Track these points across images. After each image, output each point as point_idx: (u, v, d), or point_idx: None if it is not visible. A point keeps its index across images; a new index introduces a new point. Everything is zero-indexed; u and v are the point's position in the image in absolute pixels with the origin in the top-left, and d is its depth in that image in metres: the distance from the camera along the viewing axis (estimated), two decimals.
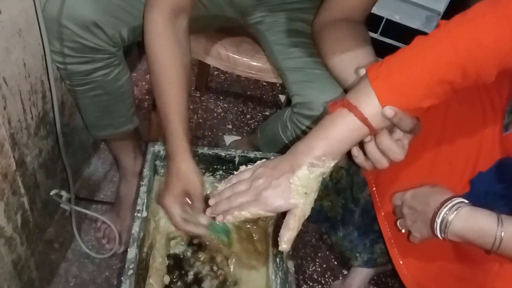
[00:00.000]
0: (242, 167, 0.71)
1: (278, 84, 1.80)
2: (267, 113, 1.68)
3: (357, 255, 1.08)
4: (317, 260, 1.25)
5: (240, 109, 1.66)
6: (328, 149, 0.63)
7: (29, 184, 0.88)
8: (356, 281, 1.15)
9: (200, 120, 1.57)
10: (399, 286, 1.23)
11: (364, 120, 0.61)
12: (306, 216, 0.66)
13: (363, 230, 1.04)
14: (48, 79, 0.85)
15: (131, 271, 0.71)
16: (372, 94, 0.61)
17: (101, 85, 0.90)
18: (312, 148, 0.63)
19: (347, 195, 1.02)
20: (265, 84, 1.80)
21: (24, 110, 0.81)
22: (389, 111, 0.60)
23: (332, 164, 0.64)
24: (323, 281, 1.20)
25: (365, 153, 0.68)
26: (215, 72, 1.79)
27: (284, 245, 0.65)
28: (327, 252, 1.27)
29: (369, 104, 0.61)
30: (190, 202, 0.78)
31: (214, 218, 0.70)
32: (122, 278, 0.70)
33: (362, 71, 0.66)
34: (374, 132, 0.63)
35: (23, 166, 0.84)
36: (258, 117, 1.65)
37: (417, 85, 0.60)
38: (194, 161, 0.78)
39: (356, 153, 0.68)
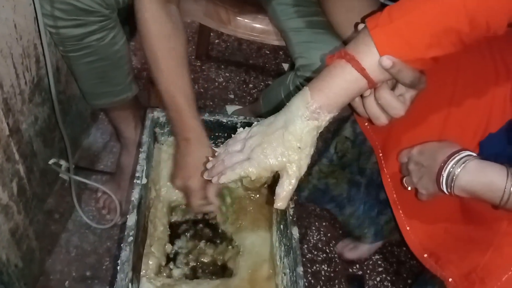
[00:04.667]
0: (240, 129, 0.69)
1: (281, 52, 1.76)
2: (269, 82, 1.63)
3: (365, 231, 1.06)
4: (322, 229, 1.23)
5: (242, 78, 1.62)
6: (324, 101, 0.59)
7: (25, 152, 0.85)
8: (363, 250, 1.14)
9: (201, 90, 1.53)
10: (405, 254, 1.22)
11: (361, 70, 0.58)
12: (302, 173, 0.63)
13: (369, 203, 1.02)
14: (41, 43, 0.81)
15: (131, 238, 0.70)
16: (371, 43, 0.57)
17: (96, 50, 0.87)
18: (307, 100, 0.60)
19: (353, 168, 0.99)
20: (268, 52, 1.75)
21: (17, 74, 0.78)
22: (387, 61, 0.56)
23: (328, 118, 0.61)
24: (327, 250, 1.19)
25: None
26: (216, 41, 1.74)
27: (279, 202, 0.62)
28: (332, 221, 1.25)
29: (368, 54, 0.57)
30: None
31: (210, 180, 0.68)
32: (122, 245, 0.69)
33: (361, 26, 0.62)
34: (373, 85, 0.60)
35: (18, 133, 0.82)
36: (261, 86, 1.61)
37: (420, 33, 0.55)
38: None
39: (358, 102, 0.64)
